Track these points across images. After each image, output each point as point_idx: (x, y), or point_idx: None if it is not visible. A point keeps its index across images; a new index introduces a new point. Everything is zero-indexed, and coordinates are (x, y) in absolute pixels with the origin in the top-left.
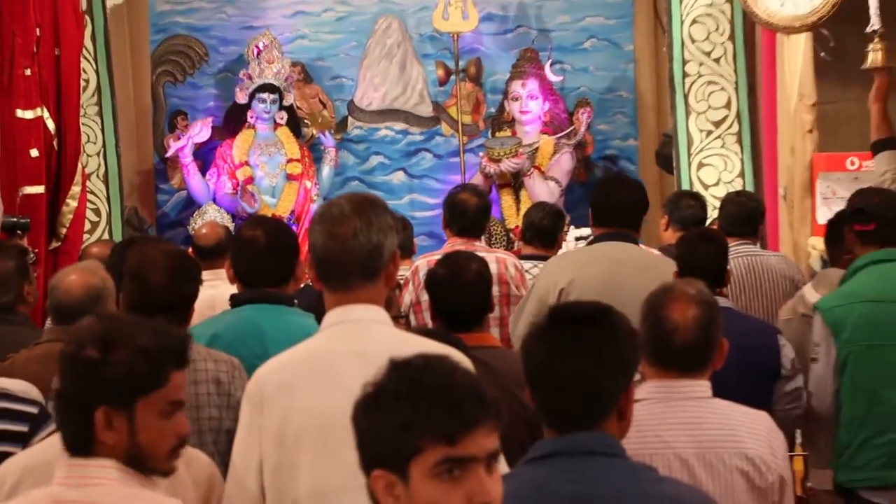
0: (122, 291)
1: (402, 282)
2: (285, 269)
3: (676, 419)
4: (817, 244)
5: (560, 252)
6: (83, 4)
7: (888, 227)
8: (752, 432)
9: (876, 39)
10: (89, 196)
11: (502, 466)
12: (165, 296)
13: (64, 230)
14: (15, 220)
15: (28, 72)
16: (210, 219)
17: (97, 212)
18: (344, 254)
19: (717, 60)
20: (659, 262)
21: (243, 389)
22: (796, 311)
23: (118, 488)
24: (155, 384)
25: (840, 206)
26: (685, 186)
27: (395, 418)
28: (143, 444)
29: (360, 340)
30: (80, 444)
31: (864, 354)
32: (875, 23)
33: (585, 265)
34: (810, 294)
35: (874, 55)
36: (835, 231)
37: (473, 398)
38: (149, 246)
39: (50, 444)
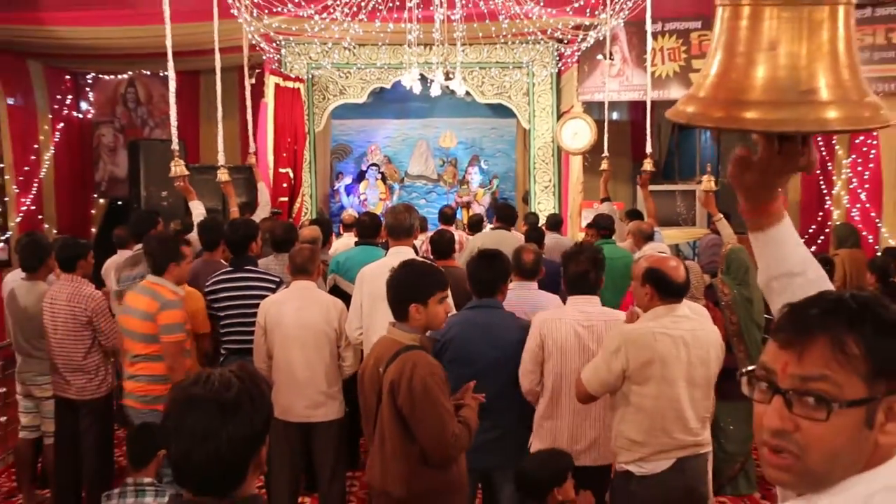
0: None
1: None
2: (376, 232)
3: (523, 298)
4: (582, 236)
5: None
6: (307, 129)
7: (611, 232)
8: (552, 302)
9: (604, 160)
10: (305, 204)
11: (453, 308)
12: (281, 241)
13: (293, 217)
14: (274, 210)
15: (284, 154)
16: (350, 213)
17: (306, 210)
18: (397, 225)
19: (546, 163)
20: (516, 237)
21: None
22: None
23: None
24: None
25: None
26: (532, 209)
27: (425, 280)
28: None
29: (400, 259)
30: None
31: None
32: (605, 152)
33: (488, 237)
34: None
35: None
36: (591, 228)
37: (446, 276)
38: (276, 221)
39: (277, 295)
